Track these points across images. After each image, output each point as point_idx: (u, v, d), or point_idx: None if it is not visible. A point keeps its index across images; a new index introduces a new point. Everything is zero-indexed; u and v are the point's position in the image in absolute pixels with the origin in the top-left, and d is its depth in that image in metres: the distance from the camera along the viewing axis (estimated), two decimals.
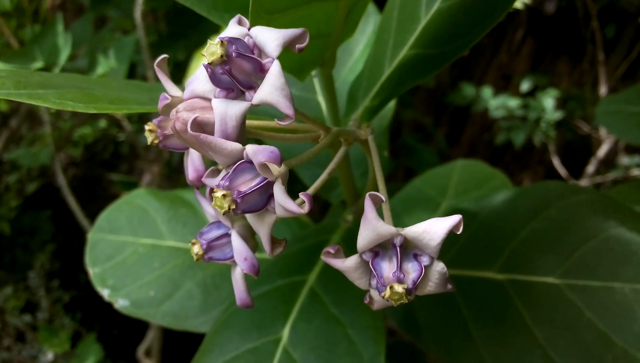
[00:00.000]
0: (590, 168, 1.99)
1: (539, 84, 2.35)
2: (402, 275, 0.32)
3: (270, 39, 0.34)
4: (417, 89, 2.51)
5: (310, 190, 0.35)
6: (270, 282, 0.60)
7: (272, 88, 0.32)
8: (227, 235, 0.39)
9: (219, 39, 0.32)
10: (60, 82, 0.42)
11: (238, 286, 0.38)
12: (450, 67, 2.52)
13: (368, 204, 0.32)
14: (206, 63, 0.32)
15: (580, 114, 2.30)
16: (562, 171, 2.15)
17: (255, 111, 0.38)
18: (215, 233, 0.39)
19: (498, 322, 0.61)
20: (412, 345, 0.93)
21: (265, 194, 0.33)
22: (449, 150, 2.47)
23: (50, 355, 1.78)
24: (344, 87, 0.69)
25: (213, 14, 0.47)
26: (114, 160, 2.53)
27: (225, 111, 0.33)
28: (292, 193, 0.34)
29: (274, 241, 0.35)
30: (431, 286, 0.33)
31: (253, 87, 0.34)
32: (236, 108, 0.33)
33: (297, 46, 0.34)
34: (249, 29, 0.35)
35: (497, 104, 2.24)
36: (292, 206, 0.31)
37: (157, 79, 0.41)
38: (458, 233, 0.32)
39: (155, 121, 0.40)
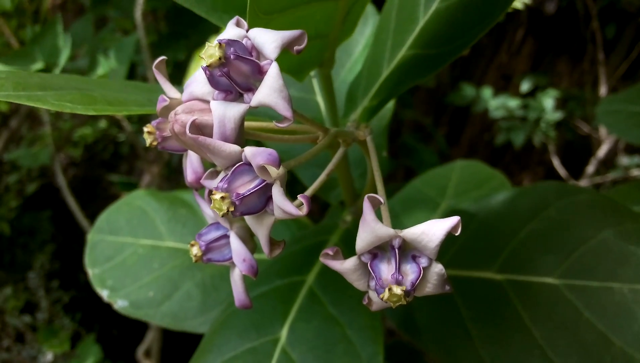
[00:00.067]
0: (590, 168, 2.00)
1: (539, 84, 2.35)
2: (400, 276, 0.32)
3: (268, 40, 0.34)
4: (417, 89, 2.51)
5: (309, 191, 0.35)
6: (268, 282, 0.60)
7: (270, 90, 0.32)
8: (226, 237, 0.39)
9: (217, 42, 0.32)
10: (59, 83, 0.42)
11: (237, 287, 0.38)
12: (450, 67, 2.52)
13: (366, 206, 0.32)
14: (204, 65, 0.32)
15: (580, 114, 2.30)
16: (561, 171, 2.15)
17: (254, 112, 0.38)
18: (214, 234, 0.39)
19: (497, 322, 0.61)
20: (411, 346, 0.93)
21: (263, 196, 0.33)
22: (448, 150, 2.47)
23: (49, 356, 1.78)
24: (343, 88, 0.69)
25: (212, 15, 0.47)
26: (113, 161, 2.53)
27: (224, 113, 0.33)
28: (292, 194, 0.34)
29: (272, 243, 0.35)
30: (429, 287, 0.33)
31: (251, 89, 0.34)
32: (235, 110, 0.33)
33: (295, 47, 0.34)
34: (247, 31, 0.35)
35: (497, 104, 2.24)
36: (290, 208, 0.31)
37: (158, 81, 0.41)
38: (456, 234, 0.32)
39: (153, 122, 0.40)
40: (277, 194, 0.32)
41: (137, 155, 2.33)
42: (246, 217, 0.34)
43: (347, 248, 0.57)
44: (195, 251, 0.38)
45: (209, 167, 0.37)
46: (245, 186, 0.32)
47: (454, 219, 0.32)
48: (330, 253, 0.34)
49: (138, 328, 1.79)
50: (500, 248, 0.64)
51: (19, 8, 1.77)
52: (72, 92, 0.39)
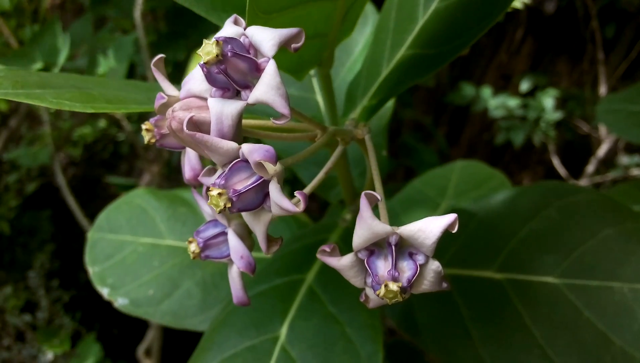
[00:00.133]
0: (590, 167, 2.00)
1: (538, 83, 2.35)
2: (397, 273, 0.32)
3: (265, 38, 0.34)
4: (417, 88, 2.51)
5: (307, 189, 0.35)
6: (268, 281, 0.60)
7: (267, 87, 0.32)
8: (224, 234, 0.39)
9: (214, 39, 0.32)
10: (58, 82, 0.42)
11: (234, 284, 0.38)
12: (450, 66, 2.52)
13: (363, 203, 0.32)
14: (202, 62, 0.32)
15: (580, 113, 2.30)
16: (561, 170, 2.15)
17: (253, 110, 0.38)
18: (212, 231, 0.39)
19: (497, 322, 0.61)
20: (412, 345, 0.93)
21: (261, 193, 0.33)
22: (448, 150, 2.47)
23: (50, 355, 1.78)
24: (343, 87, 0.69)
25: (211, 14, 0.47)
26: (113, 160, 2.53)
27: (221, 110, 0.33)
28: (292, 194, 0.34)
29: (269, 240, 0.35)
30: (426, 284, 0.33)
31: (249, 86, 0.34)
32: (232, 107, 0.33)
33: (293, 45, 0.34)
34: (245, 29, 0.35)
35: (497, 103, 2.24)
36: (287, 204, 0.31)
37: (157, 80, 0.41)
38: (453, 231, 0.32)
39: (152, 120, 0.40)
40: (274, 190, 0.32)
41: (136, 154, 2.33)
42: (244, 214, 0.34)
43: (347, 247, 0.57)
44: (193, 248, 0.38)
45: (208, 164, 0.37)
46: (243, 182, 0.32)
47: (451, 217, 0.32)
48: (327, 249, 0.34)
49: (138, 327, 1.79)
50: (500, 248, 0.64)
51: (18, 8, 1.77)
52: (71, 90, 0.39)
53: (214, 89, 0.34)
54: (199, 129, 0.33)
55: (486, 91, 2.28)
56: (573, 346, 0.55)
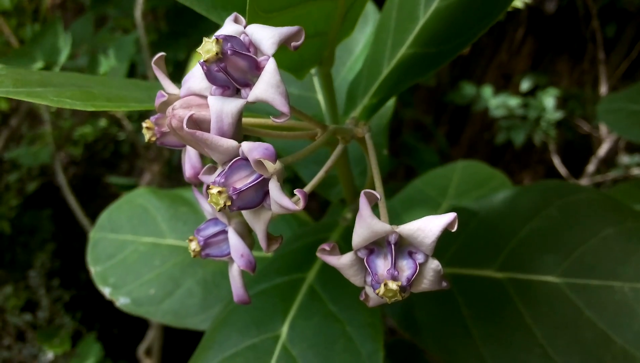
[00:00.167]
0: (591, 167, 1.99)
1: (539, 83, 2.35)
2: (396, 272, 0.32)
3: (265, 37, 0.34)
4: (418, 88, 2.51)
5: (307, 188, 0.35)
6: (269, 280, 0.60)
7: (267, 86, 0.32)
8: (224, 232, 0.39)
9: (214, 37, 0.32)
10: (59, 80, 0.42)
11: (235, 282, 0.38)
12: (451, 66, 2.52)
13: (363, 202, 0.32)
14: (202, 60, 0.32)
15: (581, 113, 2.30)
16: (562, 170, 2.15)
17: (253, 108, 0.38)
18: (212, 230, 0.39)
19: (497, 321, 0.61)
20: (412, 344, 0.93)
21: (260, 191, 0.33)
22: (449, 149, 2.47)
23: (50, 354, 1.78)
24: (343, 86, 0.69)
25: (212, 13, 0.47)
26: (114, 159, 2.53)
27: (221, 108, 0.33)
28: (293, 193, 0.34)
29: (270, 238, 0.35)
30: (426, 283, 0.33)
31: (249, 84, 0.34)
32: (232, 105, 0.33)
33: (293, 43, 0.34)
34: (245, 27, 0.35)
35: (498, 103, 2.24)
36: (286, 202, 0.31)
37: (157, 78, 0.41)
38: (453, 230, 0.32)
39: (152, 118, 0.40)
40: (274, 189, 0.32)
41: (137, 154, 2.33)
42: (244, 212, 0.34)
43: (348, 246, 0.57)
44: (193, 246, 0.38)
45: (208, 163, 0.37)
46: (243, 180, 0.32)
47: (451, 216, 0.32)
48: (327, 248, 0.34)
49: (139, 326, 1.79)
50: (501, 247, 0.64)
51: (19, 7, 1.78)
52: (72, 88, 0.39)
53: (214, 87, 0.34)
54: (199, 127, 0.33)
55: (487, 91, 2.28)
56: (574, 345, 0.55)
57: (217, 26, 0.40)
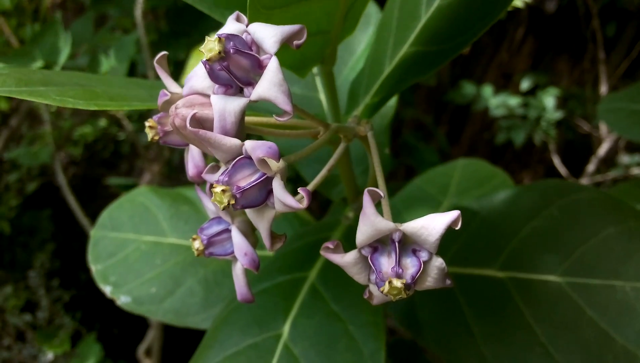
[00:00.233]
0: (591, 166, 1.99)
1: (539, 82, 2.35)
2: (400, 270, 0.32)
3: (268, 35, 0.34)
4: (418, 87, 2.51)
5: (310, 186, 0.35)
6: (270, 279, 0.60)
7: (270, 84, 0.32)
8: (228, 231, 0.39)
9: (217, 36, 0.32)
10: (61, 79, 0.42)
11: (238, 281, 0.38)
12: (451, 65, 2.52)
13: (366, 200, 0.32)
14: (205, 59, 0.32)
15: (581, 113, 2.30)
16: (562, 170, 2.15)
17: (255, 107, 0.38)
18: (216, 228, 0.39)
19: (499, 320, 0.61)
20: (412, 343, 0.93)
21: (264, 190, 0.33)
22: (449, 149, 2.47)
23: (50, 355, 1.78)
24: (345, 85, 0.69)
25: (214, 11, 0.47)
26: (114, 159, 2.53)
27: (224, 107, 0.33)
28: (295, 191, 0.34)
29: (273, 236, 0.35)
30: (430, 281, 0.33)
31: (251, 83, 0.34)
32: (235, 104, 0.33)
33: (295, 42, 0.34)
34: (247, 26, 0.35)
35: (498, 102, 2.24)
36: (290, 201, 0.31)
37: (158, 78, 0.41)
38: (457, 228, 0.32)
39: (155, 117, 0.40)
40: (278, 187, 0.32)
41: (137, 154, 2.33)
42: (247, 211, 0.34)
43: (350, 244, 0.57)
44: (197, 245, 0.38)
45: (211, 161, 0.37)
46: (246, 179, 0.32)
47: (454, 214, 0.32)
48: (331, 246, 0.34)
49: (139, 327, 1.79)
50: (502, 246, 0.64)
51: (19, 7, 1.77)
52: (74, 87, 0.39)
53: (217, 86, 0.34)
54: (202, 126, 0.33)
55: (487, 90, 2.28)
56: (575, 344, 0.55)
57: (218, 25, 0.40)
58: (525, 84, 2.34)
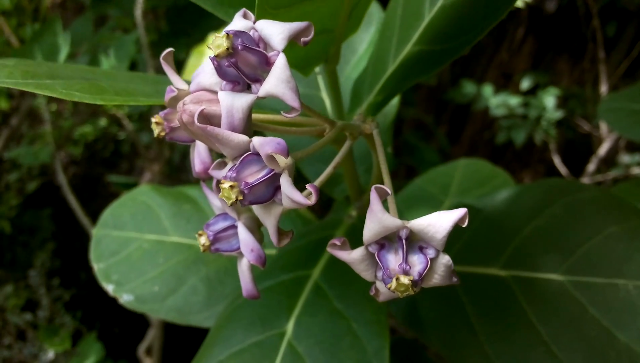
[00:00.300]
0: (591, 166, 2.00)
1: (539, 82, 2.35)
2: (408, 266, 0.32)
3: (275, 32, 0.34)
4: (418, 87, 2.51)
5: (317, 182, 0.35)
6: (274, 277, 0.60)
7: (278, 81, 0.32)
8: (234, 227, 0.39)
9: (224, 32, 0.32)
10: (67, 73, 0.42)
11: (244, 277, 0.38)
12: (451, 65, 2.52)
13: (374, 197, 0.32)
14: (212, 56, 0.32)
15: (581, 112, 2.31)
16: (562, 169, 2.16)
17: (262, 104, 0.38)
18: (222, 224, 0.39)
19: (502, 318, 0.61)
20: (413, 342, 0.93)
21: (272, 186, 0.33)
22: (449, 148, 2.47)
23: (51, 354, 1.78)
24: (348, 85, 0.69)
25: (218, 10, 0.47)
26: (114, 159, 2.53)
27: (232, 103, 0.33)
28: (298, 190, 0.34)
29: (280, 233, 0.35)
30: (437, 278, 0.33)
31: (259, 80, 0.34)
32: (242, 100, 0.33)
33: (302, 39, 0.34)
34: (254, 23, 0.35)
35: (498, 102, 2.24)
36: (298, 197, 0.31)
37: (163, 74, 0.41)
38: (463, 226, 0.32)
39: (161, 113, 0.40)
40: (286, 183, 0.32)
41: (137, 153, 2.33)
42: (254, 207, 0.34)
43: (352, 243, 0.57)
44: (203, 240, 0.38)
45: (217, 158, 0.37)
46: (254, 175, 0.32)
47: (461, 211, 0.32)
48: (338, 243, 0.34)
49: (139, 326, 1.79)
50: (505, 245, 0.64)
51: (19, 6, 1.77)
52: (81, 81, 0.39)
53: (224, 82, 0.34)
54: (209, 122, 0.33)
55: (487, 90, 2.28)
56: (578, 343, 0.55)
57: (218, 25, 0.40)
58: (525, 84, 2.34)
